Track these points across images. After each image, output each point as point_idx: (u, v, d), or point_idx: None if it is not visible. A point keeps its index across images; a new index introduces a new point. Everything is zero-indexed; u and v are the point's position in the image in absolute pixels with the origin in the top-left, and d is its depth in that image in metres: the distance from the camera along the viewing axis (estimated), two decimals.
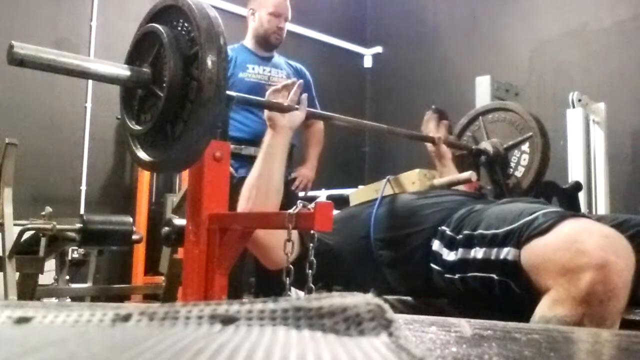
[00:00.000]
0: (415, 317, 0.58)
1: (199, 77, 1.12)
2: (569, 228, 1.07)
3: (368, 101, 6.01)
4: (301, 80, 1.58)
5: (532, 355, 0.43)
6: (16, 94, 3.99)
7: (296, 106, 1.51)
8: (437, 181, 1.83)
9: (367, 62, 6.12)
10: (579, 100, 3.54)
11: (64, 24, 4.28)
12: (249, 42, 2.66)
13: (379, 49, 6.04)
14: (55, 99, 4.17)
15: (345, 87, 5.69)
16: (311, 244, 1.14)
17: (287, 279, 1.14)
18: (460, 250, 1.25)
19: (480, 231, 1.22)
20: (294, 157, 2.62)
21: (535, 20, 4.81)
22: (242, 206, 1.45)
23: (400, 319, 0.55)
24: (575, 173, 3.44)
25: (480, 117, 2.16)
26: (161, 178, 4.47)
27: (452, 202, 1.46)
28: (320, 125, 2.80)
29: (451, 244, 1.29)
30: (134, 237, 2.41)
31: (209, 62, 1.12)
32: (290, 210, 1.12)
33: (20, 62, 1.10)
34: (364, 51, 6.11)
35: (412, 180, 1.81)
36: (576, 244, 1.01)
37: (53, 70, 1.14)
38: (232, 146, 2.49)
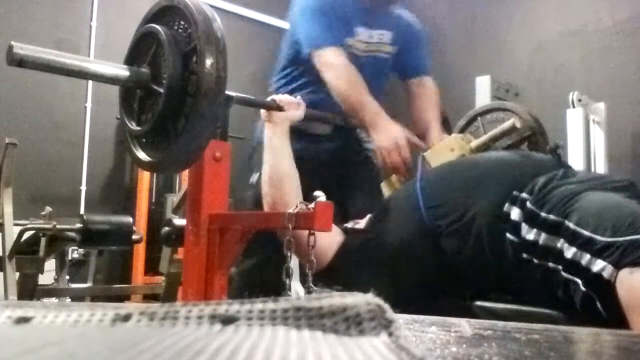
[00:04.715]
0: (415, 317, 0.58)
1: (198, 70, 1.13)
2: None
3: None
4: None
5: (532, 355, 0.43)
6: (16, 94, 3.99)
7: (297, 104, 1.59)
8: (476, 142, 1.65)
9: None
10: (579, 100, 3.54)
11: (64, 24, 4.28)
12: None
13: None
14: (55, 99, 4.18)
15: None
16: (311, 245, 1.14)
17: (287, 279, 1.15)
18: (544, 235, 1.12)
19: (571, 225, 1.08)
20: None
21: (535, 20, 4.81)
22: (265, 202, 1.50)
23: (400, 319, 0.55)
24: None
25: (479, 118, 2.16)
26: (161, 178, 4.47)
27: (525, 163, 1.34)
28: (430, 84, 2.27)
29: (533, 220, 1.15)
30: (134, 237, 2.41)
31: (208, 54, 1.12)
32: (290, 210, 1.12)
33: (20, 62, 1.10)
34: None
35: (450, 147, 1.65)
36: None
37: (52, 70, 1.14)
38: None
